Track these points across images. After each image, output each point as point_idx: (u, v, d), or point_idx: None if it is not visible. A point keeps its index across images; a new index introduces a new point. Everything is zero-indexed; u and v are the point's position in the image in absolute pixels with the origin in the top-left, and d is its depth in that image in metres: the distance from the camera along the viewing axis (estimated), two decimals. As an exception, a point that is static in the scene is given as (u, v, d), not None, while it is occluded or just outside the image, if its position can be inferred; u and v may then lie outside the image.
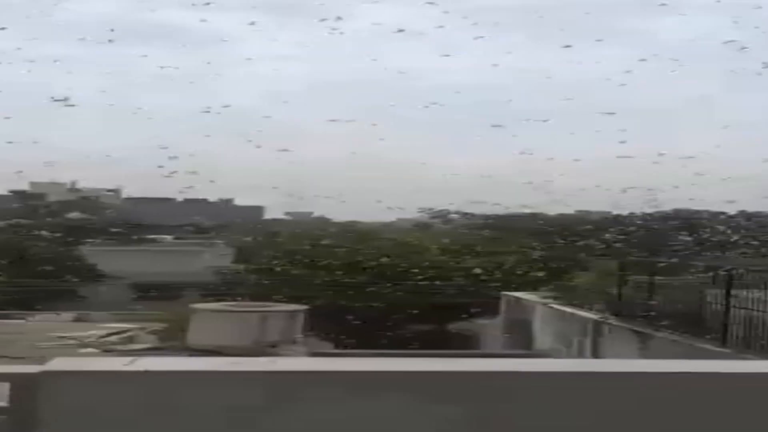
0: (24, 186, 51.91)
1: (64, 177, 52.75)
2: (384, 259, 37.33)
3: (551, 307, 24.87)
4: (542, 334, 24.93)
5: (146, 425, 3.73)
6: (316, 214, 53.36)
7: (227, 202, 59.16)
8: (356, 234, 42.06)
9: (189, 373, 3.93)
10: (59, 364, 3.96)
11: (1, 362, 15.19)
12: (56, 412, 3.72)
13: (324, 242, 40.05)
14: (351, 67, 53.32)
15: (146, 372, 3.86)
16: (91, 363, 4.19)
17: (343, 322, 30.70)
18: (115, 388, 3.77)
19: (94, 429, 3.72)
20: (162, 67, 50.70)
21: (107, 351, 17.41)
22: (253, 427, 3.75)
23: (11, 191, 51.76)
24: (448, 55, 46.90)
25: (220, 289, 36.19)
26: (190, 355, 12.64)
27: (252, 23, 51.55)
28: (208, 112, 28.29)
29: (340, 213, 45.84)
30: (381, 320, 32.39)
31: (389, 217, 46.79)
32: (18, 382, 3.92)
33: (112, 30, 36.97)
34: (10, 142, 28.72)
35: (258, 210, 56.73)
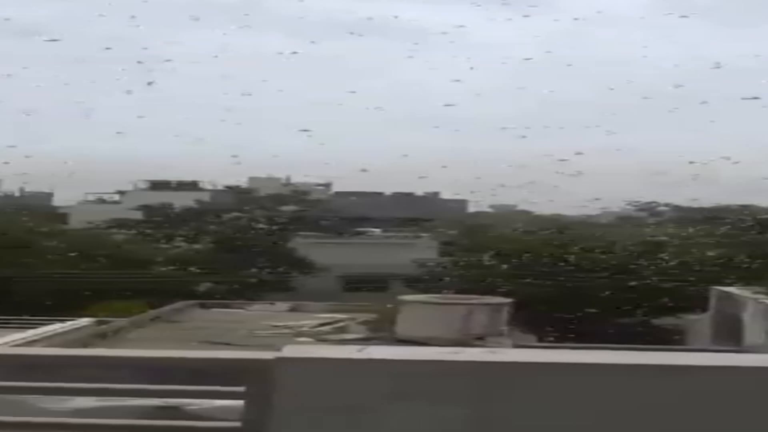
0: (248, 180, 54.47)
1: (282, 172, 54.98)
2: (579, 250, 37.02)
3: (765, 303, 24.02)
4: (753, 330, 24.13)
5: (374, 411, 3.84)
6: (520, 207, 53.36)
7: (433, 196, 59.78)
8: (559, 227, 41.83)
9: (414, 363, 4.02)
10: (292, 351, 4.17)
11: (225, 348, 16.26)
12: (290, 396, 3.90)
13: (527, 235, 40.07)
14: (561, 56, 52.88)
15: (375, 360, 4.02)
16: (322, 350, 4.44)
17: (547, 316, 30.71)
18: (345, 375, 3.93)
19: (325, 413, 3.88)
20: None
21: (320, 340, 18.15)
22: (476, 415, 3.79)
23: (226, 186, 54.13)
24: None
25: (425, 281, 36.86)
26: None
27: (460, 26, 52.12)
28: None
29: (543, 206, 45.68)
30: (585, 313, 32.17)
31: (593, 210, 46.25)
32: (254, 367, 4.18)
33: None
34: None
35: (462, 203, 57.10)
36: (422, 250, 43.81)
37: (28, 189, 60.33)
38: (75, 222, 48.45)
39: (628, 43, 51.81)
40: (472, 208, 56.53)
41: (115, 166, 48.67)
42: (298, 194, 52.73)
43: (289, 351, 4.15)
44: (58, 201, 57.74)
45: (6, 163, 36.84)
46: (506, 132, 43.92)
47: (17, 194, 61.76)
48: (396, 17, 65.78)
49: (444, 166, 40.55)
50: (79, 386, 4.48)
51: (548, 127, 43.18)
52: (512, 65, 51.53)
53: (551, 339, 25.93)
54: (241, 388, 4.19)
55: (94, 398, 4.78)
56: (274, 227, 46.09)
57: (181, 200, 50.49)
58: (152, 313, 23.79)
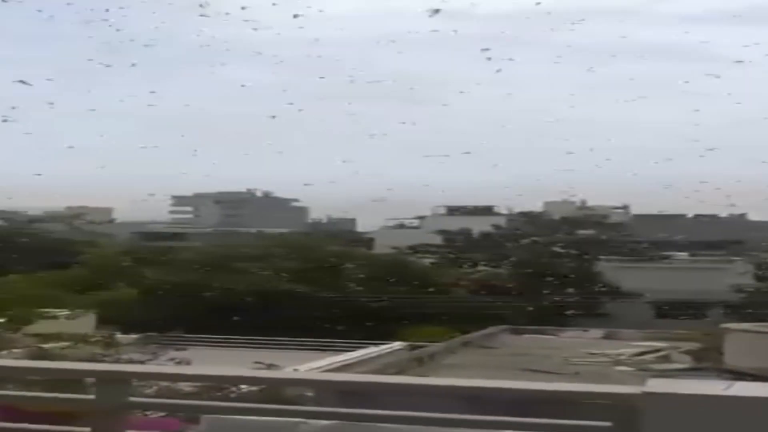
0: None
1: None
2: None
3: None
4: None
5: None
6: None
7: (740, 217, 57.03)
8: None
9: None
10: (658, 385, 3.97)
11: (533, 377, 15.92)
12: (658, 432, 3.70)
13: None
14: None
15: (745, 398, 3.77)
16: (687, 386, 4.16)
17: None
18: (714, 413, 3.72)
19: None
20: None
21: (642, 370, 17.39)
22: None
23: (520, 213, 54.44)
24: None
25: (744, 308, 34.83)
26: (735, 379, 12.20)
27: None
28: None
29: None
30: None
31: None
32: (620, 402, 3.98)
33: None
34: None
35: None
36: (736, 275, 41.58)
37: (334, 215, 63.82)
38: (378, 247, 50.19)
39: None
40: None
41: (413, 191, 50.12)
42: (596, 217, 51.94)
43: (656, 386, 3.95)
44: (361, 227, 60.44)
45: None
46: None
47: (324, 221, 65.43)
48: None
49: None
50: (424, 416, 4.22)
51: None
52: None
53: None
54: (608, 424, 3.95)
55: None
56: (573, 251, 45.52)
57: (477, 225, 51.20)
58: (463, 338, 23.96)
